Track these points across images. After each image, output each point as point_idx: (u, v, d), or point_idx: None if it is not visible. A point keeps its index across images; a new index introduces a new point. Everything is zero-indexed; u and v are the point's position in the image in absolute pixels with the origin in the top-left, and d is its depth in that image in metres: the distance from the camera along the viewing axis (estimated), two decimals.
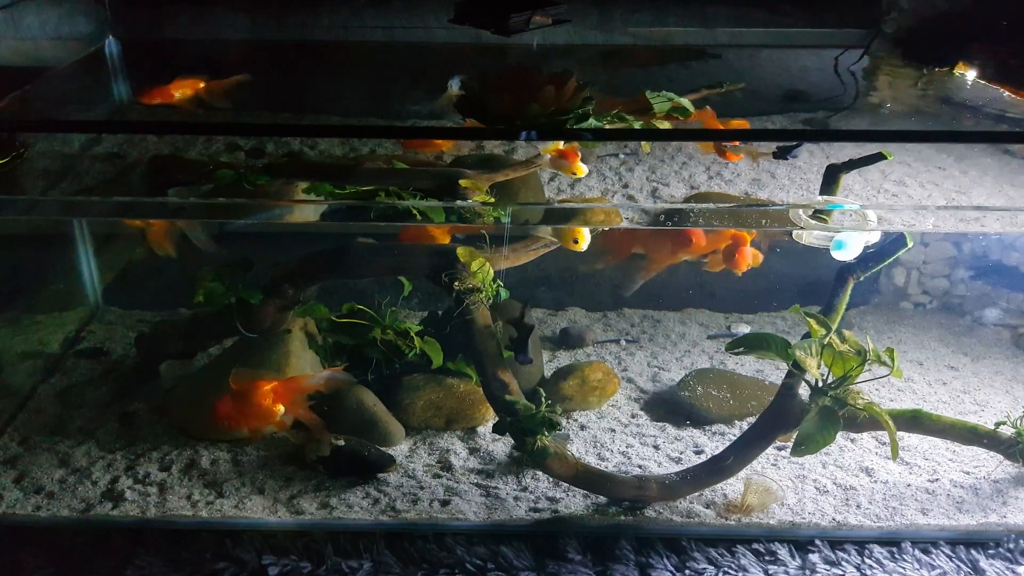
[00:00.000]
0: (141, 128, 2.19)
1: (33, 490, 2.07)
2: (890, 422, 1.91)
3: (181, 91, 2.19)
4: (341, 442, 2.13)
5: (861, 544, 1.99)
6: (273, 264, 2.21)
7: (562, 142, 2.01)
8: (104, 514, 2.01)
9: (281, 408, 2.02)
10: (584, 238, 2.04)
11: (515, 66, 2.29)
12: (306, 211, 1.89)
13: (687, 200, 2.04)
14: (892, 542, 2.00)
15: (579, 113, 1.90)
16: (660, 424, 2.37)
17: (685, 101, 2.05)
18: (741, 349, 2.00)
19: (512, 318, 2.09)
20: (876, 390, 2.46)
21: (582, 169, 2.04)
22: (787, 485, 2.12)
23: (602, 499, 2.06)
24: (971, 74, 2.35)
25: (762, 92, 2.38)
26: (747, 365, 2.64)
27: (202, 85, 2.21)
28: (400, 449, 2.24)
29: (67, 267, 2.76)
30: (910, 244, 1.91)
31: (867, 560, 1.95)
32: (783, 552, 1.96)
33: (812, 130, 2.14)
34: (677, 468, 2.11)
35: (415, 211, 1.81)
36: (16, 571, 1.89)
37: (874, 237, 1.90)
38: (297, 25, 2.60)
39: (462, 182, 1.86)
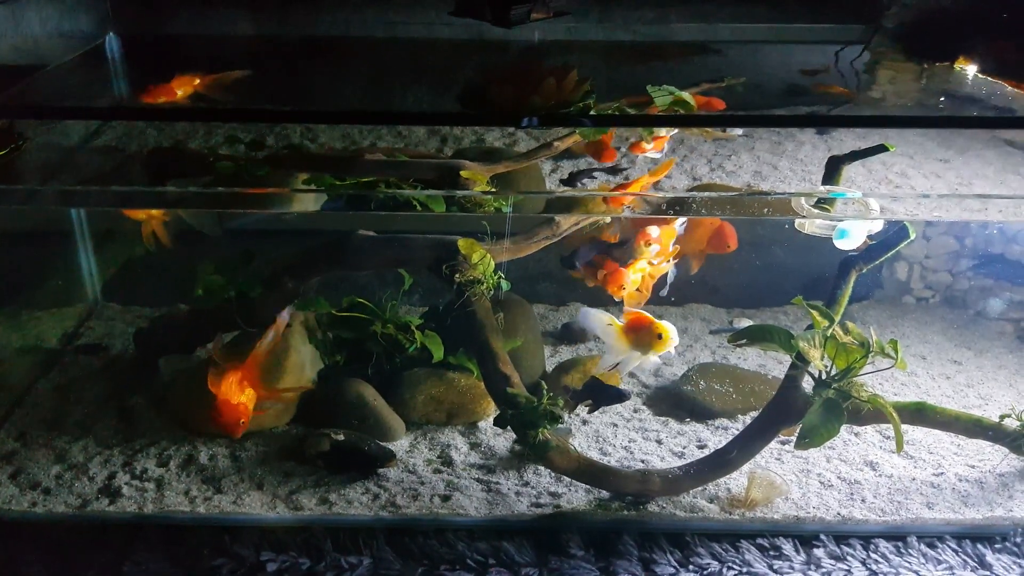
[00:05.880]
0: (137, 115, 2.18)
1: (29, 486, 2.05)
2: (894, 414, 1.90)
3: (183, 88, 2.19)
4: (341, 437, 2.12)
5: (866, 539, 1.98)
6: (273, 257, 2.20)
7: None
8: (101, 510, 1.99)
9: (251, 393, 2.01)
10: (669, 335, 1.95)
11: (517, 60, 2.30)
12: (306, 202, 1.88)
13: (690, 191, 2.04)
14: (897, 537, 1.98)
15: (580, 106, 1.90)
16: (663, 418, 2.35)
17: (686, 95, 2.05)
18: (744, 341, 1.99)
19: (580, 392, 2.10)
20: (880, 385, 2.45)
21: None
22: (791, 479, 2.10)
23: (605, 494, 2.04)
24: (972, 68, 2.35)
25: (764, 87, 2.37)
26: (750, 360, 2.64)
27: (198, 82, 2.20)
28: (400, 444, 2.23)
29: (66, 263, 2.75)
30: (912, 235, 1.91)
31: (872, 555, 1.93)
32: (788, 547, 1.94)
33: (810, 116, 2.14)
34: (680, 462, 2.10)
35: (415, 201, 1.80)
36: (13, 567, 1.87)
37: (876, 226, 1.89)
38: (299, 21, 2.60)
39: (463, 173, 1.86)
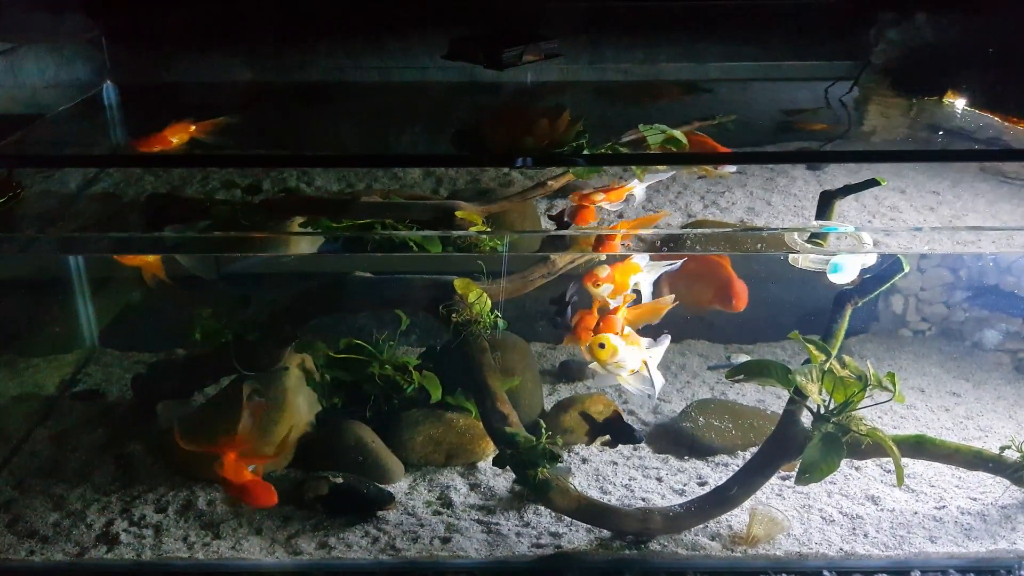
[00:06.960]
0: (134, 162, 2.20)
1: (27, 534, 2.03)
2: (894, 448, 1.89)
3: (178, 136, 2.20)
4: (339, 480, 2.10)
5: (870, 574, 1.96)
6: (270, 301, 2.20)
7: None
8: (99, 558, 1.97)
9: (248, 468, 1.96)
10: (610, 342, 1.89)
11: (510, 102, 2.33)
12: (302, 245, 1.89)
13: (684, 227, 2.05)
14: (901, 571, 1.96)
15: (573, 146, 1.92)
16: (663, 456, 2.34)
17: (678, 133, 2.07)
18: (742, 376, 1.98)
19: (599, 425, 2.08)
20: (879, 418, 2.44)
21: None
22: (793, 515, 2.09)
23: (606, 533, 2.02)
24: (960, 102, 2.39)
25: (755, 124, 2.40)
26: (748, 395, 2.63)
27: (192, 128, 2.22)
28: (399, 486, 2.21)
29: (64, 310, 2.75)
30: (906, 268, 1.92)
31: None
32: None
33: (801, 152, 2.16)
34: (681, 500, 2.09)
35: (411, 242, 1.81)
36: None
37: (870, 260, 1.90)
38: (294, 67, 2.63)
39: (458, 213, 1.87)
